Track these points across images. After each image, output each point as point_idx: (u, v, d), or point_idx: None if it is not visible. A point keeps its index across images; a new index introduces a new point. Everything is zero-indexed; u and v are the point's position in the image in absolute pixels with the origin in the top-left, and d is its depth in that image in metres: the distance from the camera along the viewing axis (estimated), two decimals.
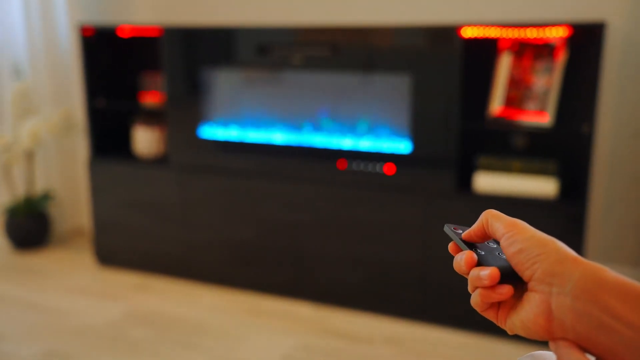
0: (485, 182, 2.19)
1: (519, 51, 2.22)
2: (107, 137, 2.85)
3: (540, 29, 2.15)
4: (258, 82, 2.53)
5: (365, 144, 2.32)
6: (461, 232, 0.60)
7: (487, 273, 0.52)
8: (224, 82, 2.53)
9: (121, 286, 2.66)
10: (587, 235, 2.38)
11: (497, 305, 0.54)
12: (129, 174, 2.71)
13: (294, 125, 2.44)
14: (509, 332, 0.54)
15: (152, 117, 2.81)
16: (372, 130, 2.32)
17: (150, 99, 2.76)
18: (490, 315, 0.55)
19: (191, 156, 2.58)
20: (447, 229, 0.61)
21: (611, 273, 0.48)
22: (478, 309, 0.55)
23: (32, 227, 3.07)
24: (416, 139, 2.22)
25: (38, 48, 3.08)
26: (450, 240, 0.61)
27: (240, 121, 2.52)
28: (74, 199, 3.28)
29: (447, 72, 2.13)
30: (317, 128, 2.40)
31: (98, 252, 2.86)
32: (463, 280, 0.56)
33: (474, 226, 0.58)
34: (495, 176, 2.19)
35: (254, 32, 2.41)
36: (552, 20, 2.33)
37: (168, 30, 2.53)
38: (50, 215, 3.14)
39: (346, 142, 2.35)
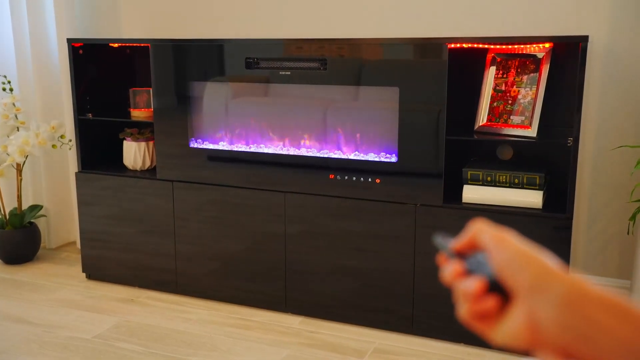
0: (473, 193, 2.22)
1: (504, 65, 2.25)
2: (96, 150, 2.85)
3: (525, 44, 2.19)
4: (247, 95, 2.54)
5: (355, 156, 2.33)
6: (450, 243, 0.61)
7: (474, 285, 0.54)
8: (213, 95, 2.55)
9: (110, 300, 2.65)
10: (572, 245, 2.41)
11: (484, 316, 0.55)
12: (117, 186, 2.70)
13: (283, 137, 2.45)
14: (496, 343, 0.55)
15: (141, 130, 2.81)
16: (361, 142, 2.34)
17: (140, 112, 2.76)
18: (476, 327, 0.56)
19: (180, 168, 2.58)
20: (436, 239, 0.62)
21: (595, 286, 0.50)
22: (464, 320, 0.56)
23: (20, 240, 3.06)
24: (404, 150, 2.24)
25: (27, 62, 3.08)
26: (440, 251, 0.62)
27: (229, 133, 2.53)
28: (63, 212, 3.27)
29: (435, 85, 2.16)
30: (306, 140, 2.42)
31: (86, 265, 2.84)
32: (452, 292, 0.57)
33: (462, 237, 0.59)
34: (482, 188, 2.21)
35: (242, 46, 2.43)
36: (536, 35, 2.37)
37: (156, 44, 2.54)
38: (39, 229, 3.12)
39: (335, 154, 2.36)
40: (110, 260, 2.78)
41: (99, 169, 2.79)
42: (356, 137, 2.35)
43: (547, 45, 2.16)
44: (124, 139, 2.78)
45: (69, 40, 2.69)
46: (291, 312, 2.49)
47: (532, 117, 2.15)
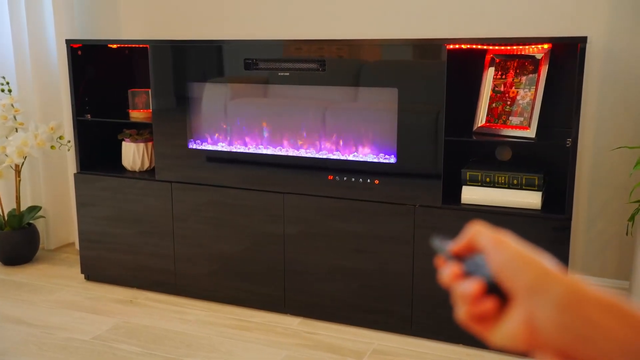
0: (471, 194, 2.22)
1: (502, 66, 2.25)
2: (95, 151, 2.85)
3: (524, 44, 2.19)
4: (246, 96, 2.54)
5: (353, 157, 2.33)
6: (448, 245, 0.61)
7: (472, 286, 0.54)
8: (211, 96, 2.55)
9: (109, 301, 2.65)
10: (571, 246, 2.41)
11: (482, 318, 0.55)
12: (116, 187, 2.70)
13: (282, 138, 2.45)
14: (494, 345, 0.55)
15: (140, 131, 2.81)
16: (360, 142, 2.34)
17: (138, 113, 2.76)
18: (475, 328, 0.56)
19: (179, 170, 2.58)
20: (434, 242, 0.62)
21: (594, 287, 0.50)
22: (463, 322, 0.56)
23: (19, 241, 3.05)
24: (403, 151, 2.24)
25: (26, 63, 3.08)
26: (438, 253, 0.62)
27: (228, 135, 2.53)
28: (61, 213, 3.26)
29: (434, 86, 2.16)
30: (305, 140, 2.42)
31: (85, 266, 2.84)
32: (450, 294, 0.57)
33: (461, 239, 0.59)
34: (481, 188, 2.21)
35: (241, 46, 2.43)
36: (535, 35, 2.37)
37: (155, 45, 2.54)
38: (37, 230, 3.12)
39: (334, 155, 2.36)
40: (109, 261, 2.78)
41: (97, 170, 2.78)
42: (355, 138, 2.35)
43: (545, 46, 2.17)
44: (123, 140, 2.78)
45: (68, 41, 2.69)
46: (290, 313, 2.49)
47: (530, 118, 2.15)
